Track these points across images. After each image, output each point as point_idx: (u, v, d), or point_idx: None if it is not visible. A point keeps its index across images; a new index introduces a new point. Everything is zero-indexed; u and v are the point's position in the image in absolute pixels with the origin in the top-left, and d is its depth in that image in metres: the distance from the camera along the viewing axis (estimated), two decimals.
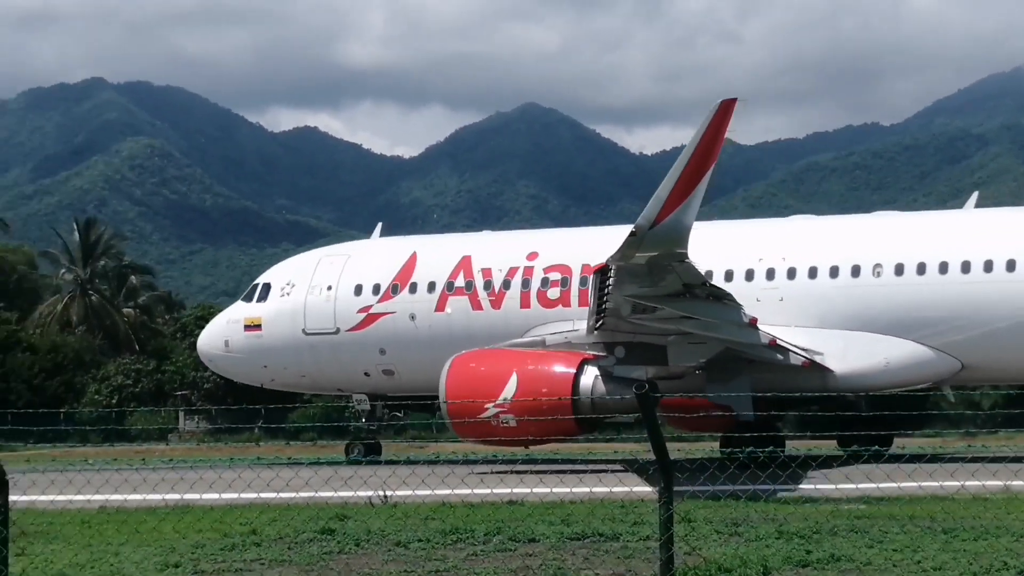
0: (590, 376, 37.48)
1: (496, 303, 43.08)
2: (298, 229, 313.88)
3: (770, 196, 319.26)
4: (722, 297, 36.93)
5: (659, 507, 14.69)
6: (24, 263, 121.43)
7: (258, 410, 60.70)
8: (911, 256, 40.62)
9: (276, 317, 45.67)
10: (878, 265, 40.71)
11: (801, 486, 28.65)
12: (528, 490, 27.66)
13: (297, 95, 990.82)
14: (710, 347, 37.87)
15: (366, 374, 45.07)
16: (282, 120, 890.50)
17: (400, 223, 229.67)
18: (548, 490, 27.66)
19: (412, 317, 43.95)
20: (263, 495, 25.71)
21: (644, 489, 24.75)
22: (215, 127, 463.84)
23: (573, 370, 37.49)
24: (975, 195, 47.57)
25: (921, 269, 40.37)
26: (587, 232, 48.12)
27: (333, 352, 44.88)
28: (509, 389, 37.02)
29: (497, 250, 45.11)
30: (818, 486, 27.08)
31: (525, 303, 42.73)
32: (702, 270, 37.79)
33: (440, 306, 43.75)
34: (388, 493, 27.15)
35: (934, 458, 35.25)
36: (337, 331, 44.71)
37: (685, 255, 32.61)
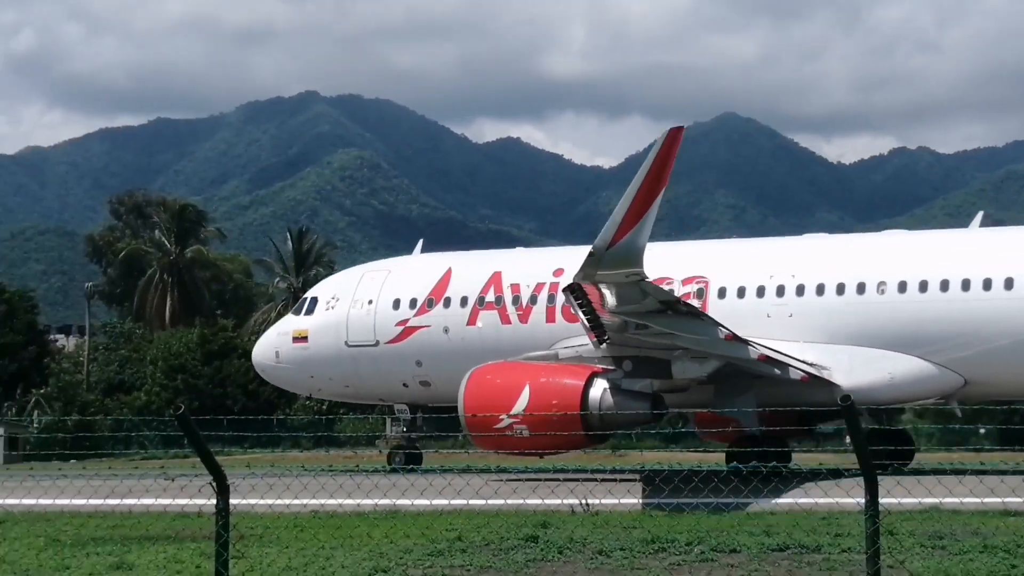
0: (599, 389, 37.67)
1: (524, 317, 43.55)
2: (500, 238, 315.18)
3: (969, 205, 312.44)
4: (697, 315, 37.66)
5: (865, 520, 14.40)
6: (240, 272, 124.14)
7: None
8: (914, 274, 40.84)
9: (321, 329, 46.61)
10: (882, 282, 41.04)
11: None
12: (731, 500, 27.43)
13: (501, 107, 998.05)
14: (711, 362, 38.13)
15: (404, 385, 45.59)
16: (486, 131, 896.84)
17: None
18: (750, 501, 27.41)
19: (446, 330, 44.50)
20: (472, 502, 25.85)
21: (848, 501, 24.31)
22: (422, 138, 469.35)
23: (582, 383, 37.69)
24: (980, 215, 47.97)
25: (923, 287, 40.67)
26: None
27: (373, 363, 45.59)
28: (522, 401, 37.30)
29: (526, 266, 45.54)
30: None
31: (551, 318, 43.09)
32: (715, 286, 40.87)
33: (472, 320, 44.26)
34: (590, 501, 27.10)
35: None
36: (377, 343, 45.48)
37: (642, 274, 33.25)
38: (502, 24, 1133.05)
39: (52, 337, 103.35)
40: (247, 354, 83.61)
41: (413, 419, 46.67)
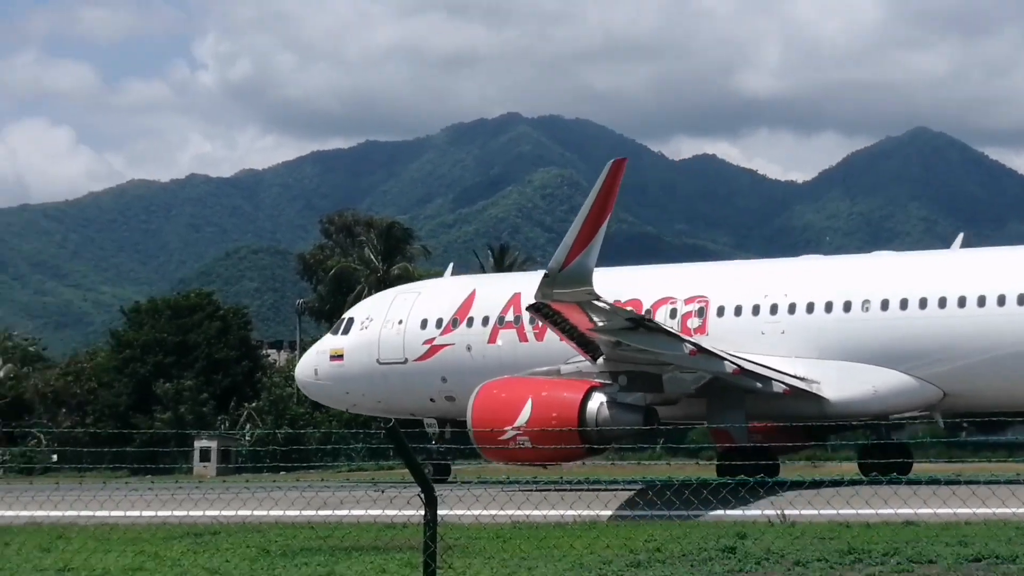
0: (596, 402, 38.85)
1: (540, 335, 44.49)
2: (696, 253, 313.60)
3: None
4: (665, 332, 39.37)
5: None
6: None
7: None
8: (895, 292, 42.28)
9: (356, 348, 48.42)
10: (867, 301, 42.41)
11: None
12: (931, 511, 26.86)
13: (697, 124, 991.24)
14: (698, 376, 39.65)
15: (431, 400, 46.94)
16: (683, 149, 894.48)
17: (793, 246, 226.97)
18: (950, 511, 26.80)
19: (468, 348, 46.04)
20: (672, 512, 25.64)
21: None
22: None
23: (580, 396, 38.88)
24: (960, 236, 49.27)
25: (903, 304, 42.07)
26: (617, 271, 48.82)
27: (403, 380, 47.19)
28: (524, 414, 38.48)
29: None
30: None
31: None
32: (714, 305, 43.16)
33: (492, 338, 45.75)
34: (786, 512, 26.76)
35: None
36: (406, 361, 47.13)
37: (592, 293, 35.05)
38: (698, 44, 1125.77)
39: (264, 352, 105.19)
40: None
41: (441, 432, 47.78)
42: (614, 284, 43.96)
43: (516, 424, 38.35)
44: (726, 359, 39.77)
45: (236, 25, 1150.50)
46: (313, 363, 50.41)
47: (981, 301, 41.24)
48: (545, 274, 34.81)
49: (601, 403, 38.90)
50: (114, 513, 28.14)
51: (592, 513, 26.82)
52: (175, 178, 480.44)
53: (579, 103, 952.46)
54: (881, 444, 45.40)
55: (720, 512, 26.98)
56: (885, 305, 42.29)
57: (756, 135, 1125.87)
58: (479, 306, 46.70)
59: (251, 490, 35.47)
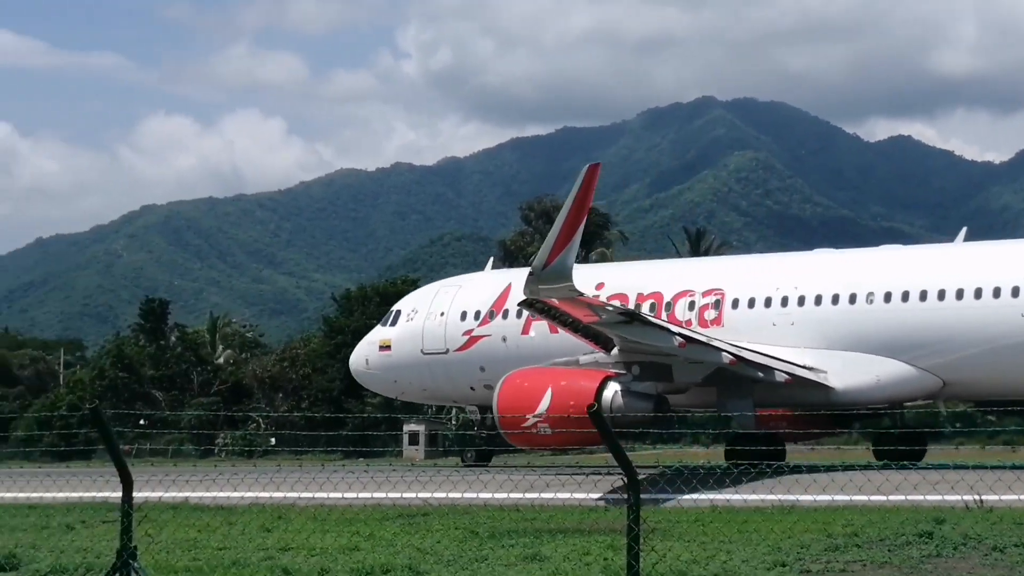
0: (611, 391, 40.29)
1: None
2: (891, 235, 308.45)
3: None
4: (656, 324, 40.59)
5: None
6: None
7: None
8: (898, 285, 42.96)
9: (402, 339, 50.06)
10: (871, 293, 43.21)
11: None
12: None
13: (892, 105, 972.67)
14: (705, 366, 40.98)
15: (471, 388, 48.16)
16: (878, 130, 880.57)
17: (990, 228, 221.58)
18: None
19: (504, 339, 47.29)
20: (872, 498, 25.49)
21: None
22: (815, 139, 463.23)
23: (596, 385, 40.35)
24: (964, 230, 49.51)
25: (905, 297, 42.74)
26: (642, 264, 53.51)
27: (445, 369, 48.75)
28: (544, 402, 39.97)
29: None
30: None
31: None
32: (729, 298, 44.46)
33: (526, 329, 46.76)
34: (983, 497, 26.43)
35: None
36: (447, 351, 48.64)
37: (574, 289, 36.62)
38: (893, 23, 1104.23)
39: None
40: None
41: (483, 419, 48.67)
42: (638, 279, 47.65)
43: (537, 411, 39.91)
44: (723, 349, 40.73)
45: (437, 13, 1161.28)
46: (365, 353, 52.13)
47: (978, 293, 41.86)
48: (530, 272, 36.42)
49: (615, 392, 40.35)
50: (332, 495, 28.92)
51: (792, 498, 26.76)
52: (381, 167, 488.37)
53: (773, 85, 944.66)
54: (895, 431, 45.90)
55: (919, 497, 26.73)
56: (888, 297, 43.04)
57: (952, 115, 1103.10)
58: (514, 299, 46.80)
59: (460, 473, 36.20)
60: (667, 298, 45.63)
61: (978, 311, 41.57)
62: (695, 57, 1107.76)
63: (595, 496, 27.38)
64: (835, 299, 43.75)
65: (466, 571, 19.99)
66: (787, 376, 41.72)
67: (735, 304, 44.79)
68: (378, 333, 51.98)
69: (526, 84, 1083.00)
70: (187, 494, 31.64)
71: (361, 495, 28.13)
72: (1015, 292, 41.39)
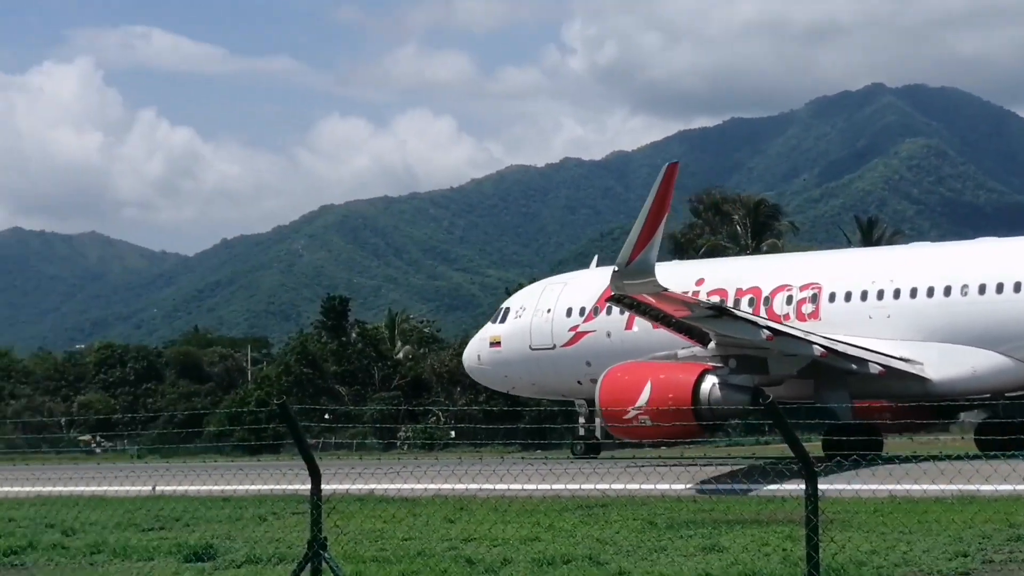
0: (708, 383, 40.71)
1: None
2: None
3: None
4: (745, 318, 41.32)
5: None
6: None
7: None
8: (992, 277, 42.85)
9: (511, 335, 51.14)
10: (965, 285, 43.17)
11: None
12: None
13: None
14: (800, 359, 41.33)
15: (579, 382, 48.25)
16: None
17: None
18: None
19: (608, 334, 47.79)
20: None
21: None
22: (988, 124, 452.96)
23: (694, 378, 40.78)
24: None
25: (1000, 289, 42.65)
26: (741, 260, 54.47)
27: (552, 364, 49.54)
28: (644, 395, 40.61)
29: (673, 276, 45.86)
30: None
31: None
32: (826, 292, 45.12)
33: (629, 325, 46.97)
34: None
35: None
36: (554, 347, 49.50)
37: (657, 284, 37.40)
38: None
39: None
40: None
41: (591, 412, 48.94)
42: (737, 273, 48.89)
43: (638, 404, 40.55)
44: (814, 342, 41.15)
45: (601, 8, 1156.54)
46: (476, 349, 53.61)
47: None
48: (615, 269, 37.34)
49: (713, 384, 40.75)
50: (512, 486, 29.12)
51: (972, 488, 26.25)
52: (550, 162, 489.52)
53: (944, 70, 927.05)
54: (999, 421, 45.16)
55: None
56: (983, 289, 43.00)
57: None
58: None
59: (637, 464, 36.22)
60: (765, 292, 46.34)
61: None
62: (863, 44, 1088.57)
63: (772, 487, 27.09)
64: (930, 291, 43.91)
65: (645, 561, 20.04)
66: (881, 368, 41.92)
67: (832, 298, 45.24)
68: (489, 330, 53.24)
69: (693, 76, 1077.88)
70: (372, 486, 32.15)
71: (541, 486, 28.31)
72: None
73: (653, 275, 37.02)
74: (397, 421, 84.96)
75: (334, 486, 23.73)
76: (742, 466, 34.29)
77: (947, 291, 43.65)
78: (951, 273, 44.04)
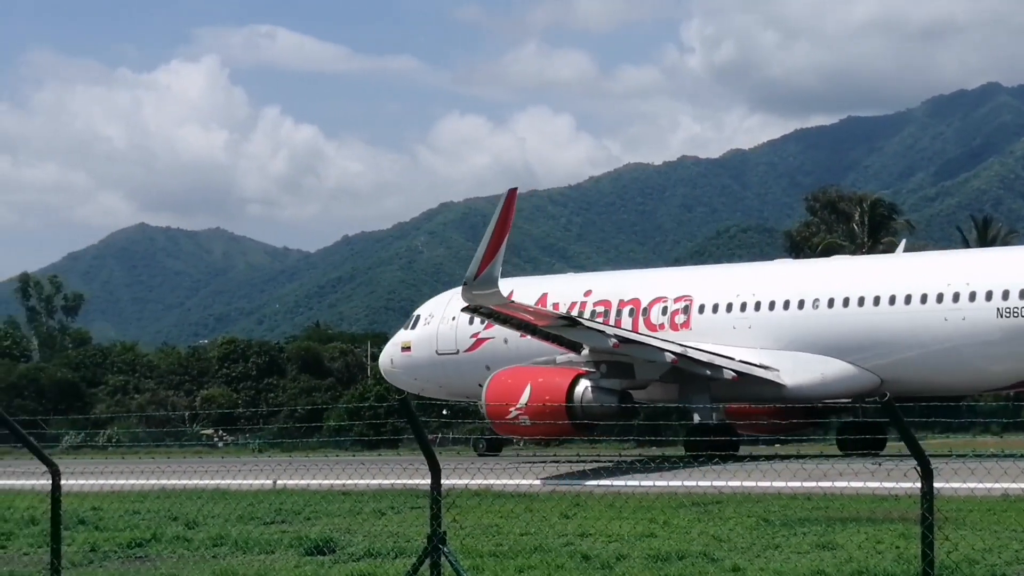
0: (581, 387, 44.64)
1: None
2: None
3: None
4: (595, 328, 45.21)
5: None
6: None
7: None
8: (841, 292, 46.87)
9: (420, 341, 54.63)
10: (816, 299, 47.19)
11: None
12: None
13: None
14: (660, 365, 45.31)
15: (479, 384, 48.95)
16: None
17: None
18: None
19: (505, 341, 50.53)
20: None
21: None
22: None
23: (568, 381, 44.68)
24: (903, 242, 56.54)
25: (846, 303, 46.63)
26: (626, 273, 60.00)
27: (456, 368, 52.94)
28: (525, 396, 44.32)
29: (564, 289, 53.65)
30: None
31: None
32: (697, 303, 49.16)
33: (523, 332, 48.33)
34: None
35: None
36: (458, 352, 53.03)
37: (500, 296, 41.27)
38: None
39: None
40: None
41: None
42: (622, 286, 52.75)
43: (518, 405, 44.23)
44: (665, 349, 45.16)
45: (720, 7, 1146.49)
46: (390, 354, 57.28)
47: (908, 300, 45.42)
48: (464, 282, 40.93)
49: (585, 388, 44.64)
50: (629, 483, 29.13)
51: None
52: (667, 160, 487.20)
53: None
54: (857, 423, 49.52)
55: None
56: (831, 303, 46.92)
57: None
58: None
59: (752, 462, 36.01)
60: (644, 304, 50.43)
61: (911, 317, 45.18)
62: (979, 43, 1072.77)
63: (888, 485, 26.75)
64: (786, 305, 47.78)
65: (760, 559, 19.93)
66: (734, 373, 45.63)
67: (701, 309, 49.27)
68: (401, 336, 56.76)
69: (810, 74, 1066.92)
70: (491, 481, 32.28)
71: (657, 483, 28.25)
72: (939, 299, 44.87)
73: (497, 287, 40.58)
74: None
75: (452, 481, 23.86)
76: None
77: (800, 304, 47.47)
78: (805, 288, 47.92)
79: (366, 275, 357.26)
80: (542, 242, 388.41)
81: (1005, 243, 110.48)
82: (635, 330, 48.42)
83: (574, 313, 49.15)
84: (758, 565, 19.16)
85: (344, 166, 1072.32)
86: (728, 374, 45.66)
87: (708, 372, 45.56)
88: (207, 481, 35.89)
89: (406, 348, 55.85)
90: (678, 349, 45.32)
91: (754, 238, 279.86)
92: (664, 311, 49.73)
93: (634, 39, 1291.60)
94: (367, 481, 31.46)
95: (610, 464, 43.98)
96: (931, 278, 45.72)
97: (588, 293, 52.02)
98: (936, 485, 14.65)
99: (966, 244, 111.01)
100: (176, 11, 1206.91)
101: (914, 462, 14.08)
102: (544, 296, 52.33)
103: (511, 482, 31.59)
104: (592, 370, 45.44)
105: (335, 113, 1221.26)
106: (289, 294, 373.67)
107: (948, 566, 17.37)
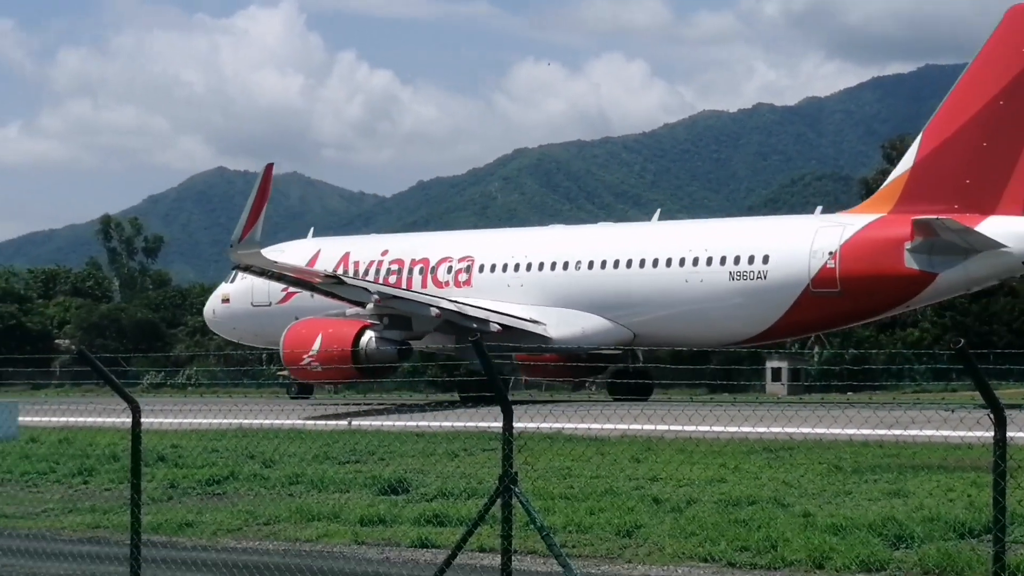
0: (366, 337, 50.28)
1: None
2: None
3: None
4: (358, 286, 50.95)
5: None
6: None
7: None
8: (599, 255, 52.34)
9: (238, 294, 59.46)
10: (579, 262, 52.70)
11: None
12: None
13: None
14: (433, 319, 50.81)
15: None
16: None
17: None
18: None
19: (312, 295, 53.69)
20: None
21: None
22: None
23: (354, 332, 50.16)
24: (658, 211, 61.06)
25: (603, 265, 52.11)
26: (419, 236, 66.19)
27: (270, 318, 56.81)
28: (316, 345, 49.78)
29: (364, 249, 58.91)
30: None
31: None
32: (478, 263, 54.45)
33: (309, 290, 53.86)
34: None
35: None
36: (271, 304, 57.76)
37: (261, 257, 47.11)
38: None
39: None
40: (1013, 292, 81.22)
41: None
42: (412, 246, 58.24)
43: (310, 352, 49.63)
44: (430, 304, 50.93)
45: None
46: (212, 305, 62.33)
47: (655, 263, 50.70)
48: (230, 244, 45.94)
49: (369, 338, 50.23)
50: (700, 428, 29.04)
51: None
52: (742, 108, 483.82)
53: None
54: (627, 370, 53.76)
55: None
56: (591, 265, 52.34)
57: None
58: (320, 262, 57.01)
59: (825, 408, 35.78)
60: (432, 263, 55.55)
61: (659, 278, 50.41)
62: None
63: (960, 433, 26.51)
64: (552, 266, 53.02)
65: (830, 505, 19.89)
66: (499, 326, 50.89)
67: (481, 269, 54.34)
68: (222, 289, 61.88)
69: (888, 21, 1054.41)
70: (562, 425, 32.35)
71: (728, 428, 28.16)
72: (681, 263, 50.05)
73: (258, 248, 46.18)
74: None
75: (524, 424, 23.96)
76: None
77: (565, 266, 52.71)
78: (570, 251, 53.23)
79: (441, 220, 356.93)
80: (616, 188, 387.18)
81: None
82: (424, 287, 54.42)
83: (372, 271, 56.12)
84: (828, 511, 19.11)
85: (419, 111, 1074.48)
86: (494, 327, 50.73)
87: (475, 325, 50.25)
88: (284, 421, 36.28)
89: (225, 300, 60.83)
90: (445, 304, 50.86)
91: (829, 186, 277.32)
92: (449, 270, 55.05)
93: None
94: (439, 423, 31.62)
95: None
96: (676, 244, 51.03)
97: (385, 253, 57.50)
98: (1009, 433, 14.52)
99: None
100: None
101: (987, 410, 13.94)
102: (347, 255, 58.07)
103: (582, 425, 31.66)
104: (376, 322, 50.76)
105: (410, 58, 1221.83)
106: None
107: (1019, 514, 17.24)
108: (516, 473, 14.90)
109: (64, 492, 25.11)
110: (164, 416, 38.47)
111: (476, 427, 31.64)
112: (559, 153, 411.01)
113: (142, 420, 14.73)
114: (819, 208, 54.69)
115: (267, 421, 35.79)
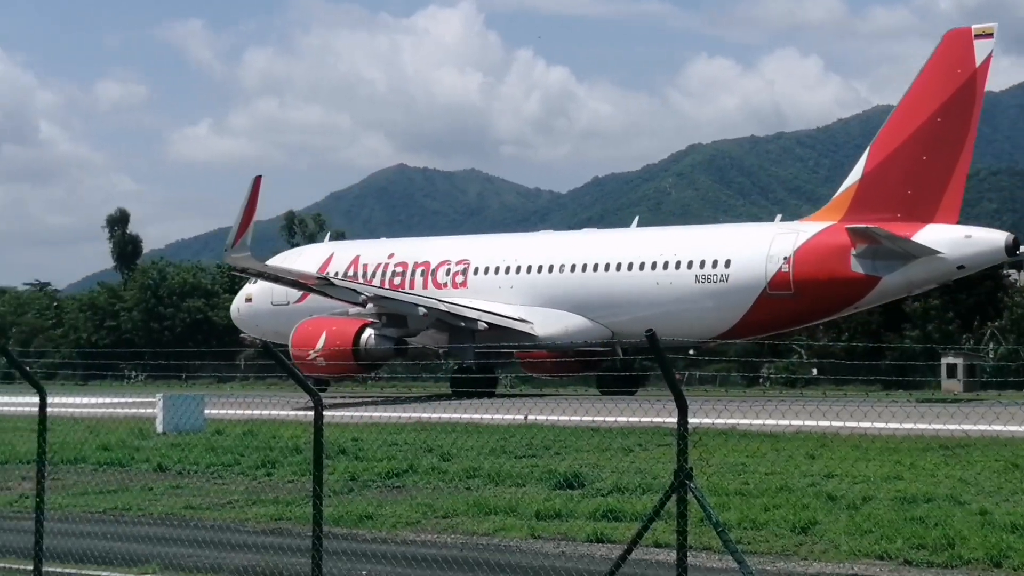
0: (366, 335, 54.67)
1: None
2: None
3: None
4: (347, 288, 55.28)
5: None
6: None
7: None
8: (580, 260, 56.46)
9: (260, 294, 63.15)
10: (563, 265, 56.71)
11: None
12: None
13: None
14: (428, 318, 55.00)
15: None
16: None
17: None
18: None
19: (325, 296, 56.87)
20: None
21: None
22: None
23: (355, 330, 54.51)
24: (636, 219, 68.18)
25: (584, 268, 56.12)
26: (422, 240, 68.18)
27: (288, 317, 59.56)
28: (321, 342, 53.96)
29: (372, 252, 63.04)
30: None
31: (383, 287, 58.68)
32: (473, 266, 58.58)
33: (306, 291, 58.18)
34: None
35: None
36: (288, 303, 61.25)
37: (252, 260, 51.17)
38: None
39: (1006, 272, 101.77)
40: None
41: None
42: (421, 252, 61.72)
43: (316, 349, 53.57)
44: (418, 304, 54.92)
45: None
46: (237, 304, 66.47)
47: (630, 267, 54.52)
48: (225, 248, 49.93)
49: (369, 335, 54.61)
50: (876, 424, 28.54)
51: None
52: None
53: None
54: (615, 369, 55.93)
55: None
56: (573, 269, 56.29)
57: None
58: (333, 265, 61.56)
59: (1003, 405, 34.91)
60: (433, 265, 59.66)
61: (633, 281, 54.12)
62: None
63: None
64: (540, 269, 56.93)
65: (1007, 503, 19.44)
66: (485, 324, 54.93)
67: (476, 272, 58.33)
68: (246, 289, 65.64)
69: None
70: (736, 421, 32.04)
71: (904, 424, 27.61)
72: (653, 267, 53.86)
73: (248, 253, 49.54)
74: (759, 357, 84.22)
75: (698, 420, 23.79)
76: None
77: (551, 269, 56.69)
78: (555, 255, 57.20)
79: (615, 216, 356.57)
80: (789, 184, 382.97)
81: None
82: (425, 288, 58.33)
83: (379, 272, 60.13)
84: (1005, 509, 18.67)
85: (594, 108, 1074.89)
86: (481, 325, 54.95)
87: (463, 324, 54.74)
88: (461, 415, 36.45)
89: (248, 299, 64.61)
90: (433, 304, 54.70)
91: (1004, 181, 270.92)
92: (448, 272, 59.06)
93: None
94: (615, 417, 31.52)
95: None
96: (649, 249, 54.92)
97: (391, 256, 61.52)
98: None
99: None
100: None
101: None
102: (357, 258, 62.24)
103: (757, 421, 31.31)
104: (376, 321, 54.82)
105: (586, 56, 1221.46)
106: None
107: None
108: (691, 468, 14.80)
109: (248, 484, 25.55)
110: (345, 409, 38.99)
111: (651, 422, 31.47)
112: (732, 149, 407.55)
113: (324, 413, 14.95)
114: (779, 216, 58.28)
115: (445, 415, 36.11)
